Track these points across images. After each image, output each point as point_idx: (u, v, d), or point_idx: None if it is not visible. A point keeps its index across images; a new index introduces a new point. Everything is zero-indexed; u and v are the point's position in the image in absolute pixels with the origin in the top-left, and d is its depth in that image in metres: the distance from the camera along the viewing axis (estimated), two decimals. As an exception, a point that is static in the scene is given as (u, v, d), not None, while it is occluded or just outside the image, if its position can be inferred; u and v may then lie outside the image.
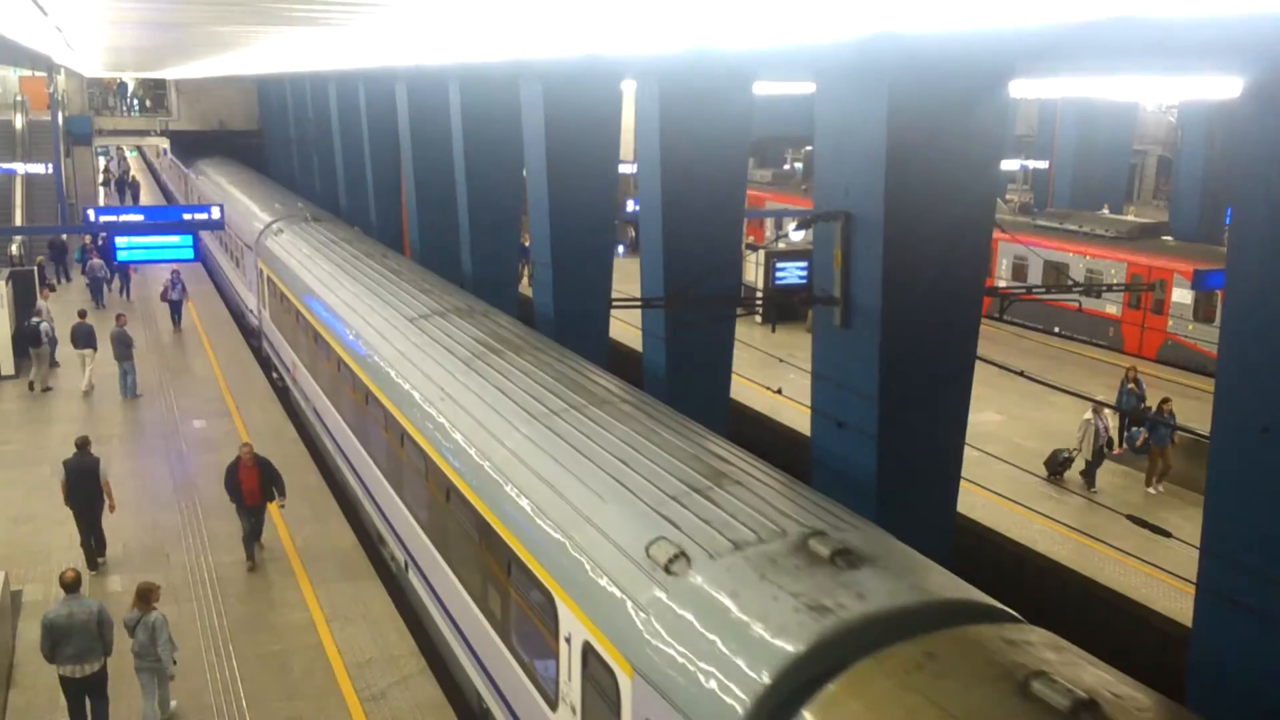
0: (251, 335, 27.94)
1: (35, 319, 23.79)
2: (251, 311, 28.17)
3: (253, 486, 14.71)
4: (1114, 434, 18.88)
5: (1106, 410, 17.74)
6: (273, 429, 20.73)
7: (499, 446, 11.03)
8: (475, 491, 10.98)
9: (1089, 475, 18.13)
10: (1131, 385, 19.11)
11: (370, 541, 16.10)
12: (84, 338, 23.22)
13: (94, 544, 14.85)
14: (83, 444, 14.87)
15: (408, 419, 13.44)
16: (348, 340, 16.99)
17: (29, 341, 23.55)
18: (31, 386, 23.40)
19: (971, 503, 16.15)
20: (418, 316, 15.84)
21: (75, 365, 23.85)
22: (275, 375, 24.34)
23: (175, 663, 11.29)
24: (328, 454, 19.22)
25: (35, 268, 29.75)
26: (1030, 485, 17.75)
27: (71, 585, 10.69)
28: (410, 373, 14.04)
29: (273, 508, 15.35)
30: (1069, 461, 18.32)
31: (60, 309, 27.72)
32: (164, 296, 28.81)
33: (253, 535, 14.97)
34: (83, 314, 24.26)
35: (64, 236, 36.37)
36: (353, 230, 26.90)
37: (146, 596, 10.94)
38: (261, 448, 16.37)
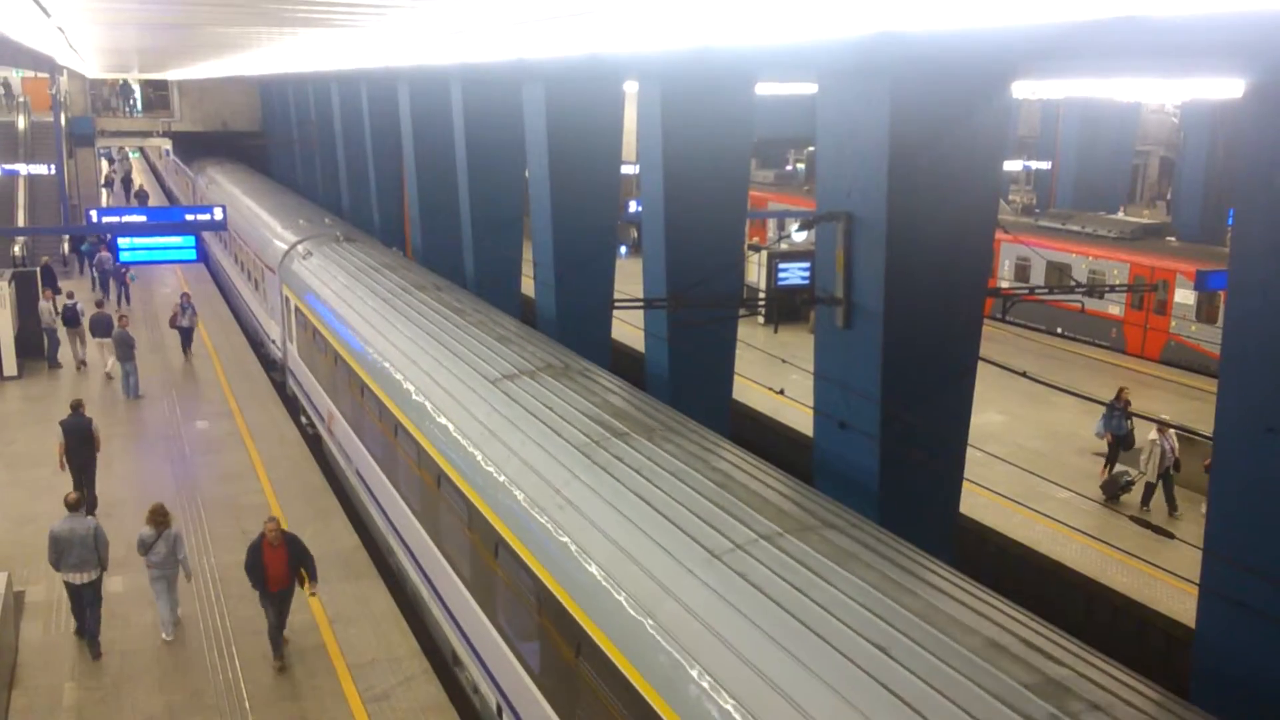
0: (272, 368, 25.22)
1: (70, 300, 25.75)
2: (273, 342, 25.13)
3: (280, 570, 12.32)
4: (1179, 454, 16.93)
5: (1172, 430, 16.74)
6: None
7: (667, 599, 7.75)
8: (639, 670, 7.71)
9: (1152, 499, 16.89)
10: (1122, 407, 17.59)
11: (373, 542, 16.11)
12: (103, 326, 24.12)
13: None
14: (77, 405, 16.93)
15: (508, 528, 10.22)
16: (410, 405, 13.67)
17: (67, 322, 25.38)
18: (77, 365, 25.25)
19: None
20: (501, 377, 12.57)
21: (72, 368, 25.21)
22: (305, 421, 21.46)
23: (189, 576, 13.19)
24: (374, 526, 16.18)
25: (38, 269, 29.86)
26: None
27: (74, 505, 12.70)
28: (508, 462, 10.74)
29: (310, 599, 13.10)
30: (1130, 485, 17.36)
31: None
32: (173, 323, 26.05)
33: (278, 627, 12.56)
34: (100, 304, 26.35)
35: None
36: (392, 253, 23.75)
37: (163, 515, 12.75)
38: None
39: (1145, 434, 17.40)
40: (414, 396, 13.60)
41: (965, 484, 12.69)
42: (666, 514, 8.61)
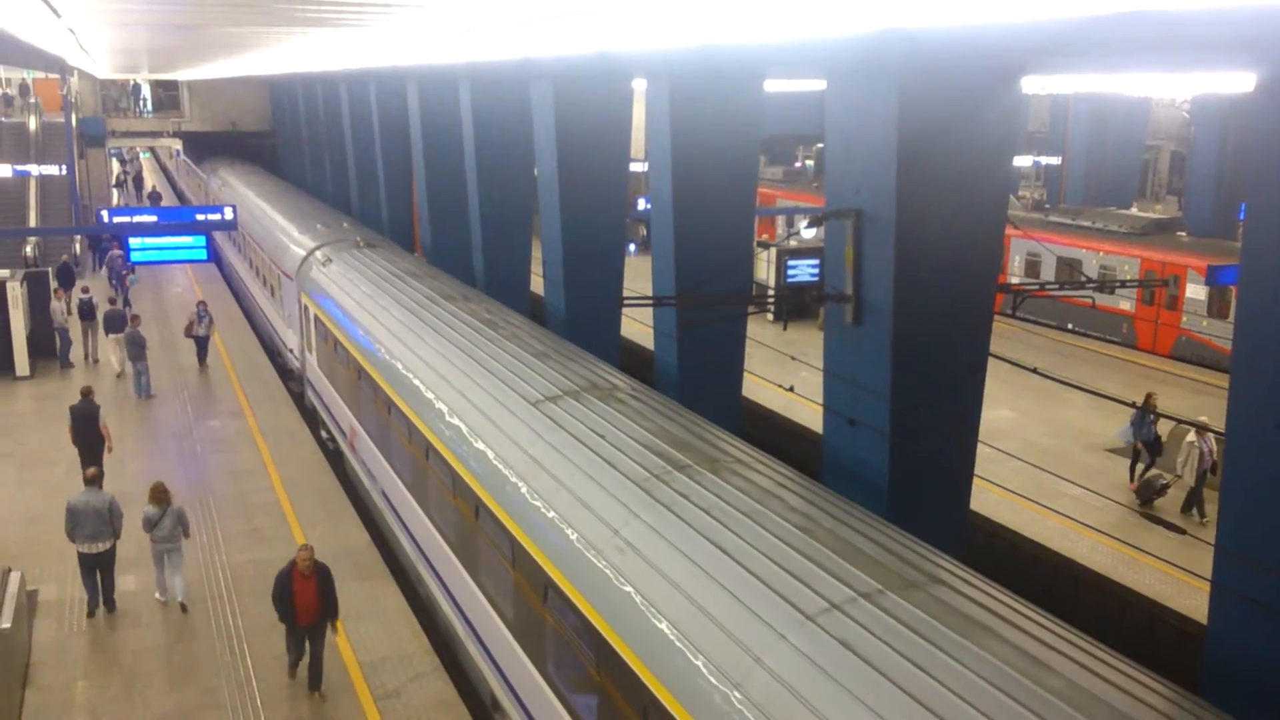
0: (290, 378, 24.34)
1: (85, 295, 26.14)
2: (291, 351, 24.32)
3: (310, 601, 11.42)
4: (1217, 457, 16.01)
5: (1210, 433, 16.08)
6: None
7: (756, 667, 6.86)
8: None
9: (1192, 504, 16.39)
10: (1151, 414, 16.79)
11: (383, 540, 16.14)
12: (116, 323, 24.49)
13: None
14: (86, 392, 17.79)
15: (559, 570, 9.15)
16: (444, 427, 12.70)
17: (82, 316, 25.83)
18: (86, 359, 25.71)
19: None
20: (543, 399, 11.65)
21: (83, 367, 25.32)
22: (325, 435, 20.74)
23: (187, 535, 13.84)
24: (403, 554, 15.21)
25: (55, 268, 30.48)
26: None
27: (91, 480, 13.70)
28: (557, 496, 9.80)
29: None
30: (1165, 489, 16.78)
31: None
32: (189, 332, 25.00)
33: (315, 667, 11.67)
34: (113, 300, 27.00)
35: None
36: (414, 259, 22.89)
37: (163, 493, 13.52)
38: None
39: (1164, 433, 17.20)
40: (448, 418, 12.67)
41: (975, 480, 12.67)
42: (746, 564, 7.64)
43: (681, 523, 8.44)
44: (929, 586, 7.17)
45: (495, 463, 11.06)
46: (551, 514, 9.64)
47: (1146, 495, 16.89)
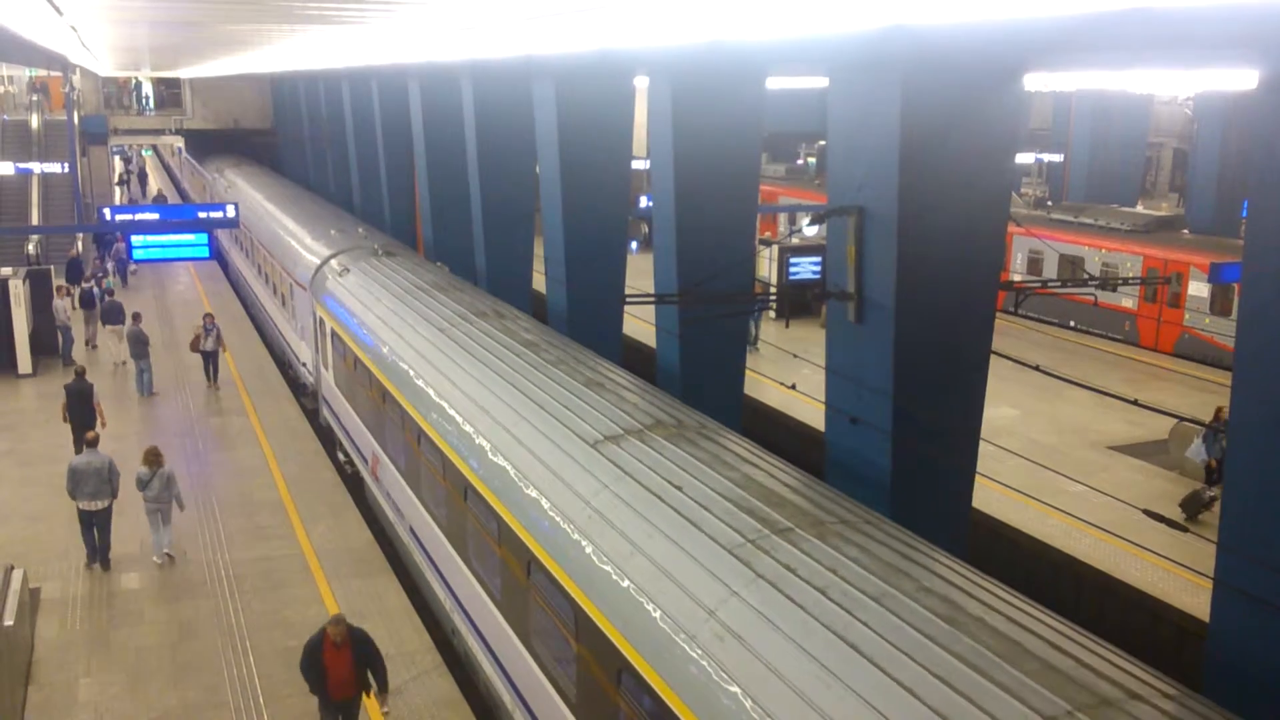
0: (302, 393, 23.03)
1: (87, 283, 27.43)
2: (304, 365, 22.77)
3: (344, 675, 10.26)
4: None
5: None
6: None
7: None
8: None
9: None
10: (1220, 428, 15.61)
11: (385, 537, 16.14)
12: (114, 315, 25.06)
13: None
14: (80, 371, 19.35)
15: (640, 654, 7.76)
16: (487, 468, 11.15)
17: (84, 304, 26.99)
18: (88, 344, 26.64)
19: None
20: (603, 438, 10.10)
21: (83, 355, 25.34)
22: (343, 458, 19.32)
23: (183, 507, 15.01)
24: (437, 604, 13.73)
25: (66, 263, 30.94)
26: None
27: (91, 443, 15.05)
28: (631, 563, 8.30)
29: (370, 707, 11.03)
30: (1212, 501, 16.08)
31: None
32: (195, 346, 23.32)
33: None
34: (110, 292, 27.68)
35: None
36: (438, 269, 21.00)
37: (156, 456, 14.62)
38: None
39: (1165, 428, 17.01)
40: (490, 456, 11.16)
41: (977, 478, 12.66)
42: (893, 673, 6.17)
43: (793, 606, 6.99)
44: (1133, 704, 5.80)
45: (551, 514, 9.58)
46: (626, 583, 8.18)
47: (1193, 509, 16.41)
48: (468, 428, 12.00)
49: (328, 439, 19.83)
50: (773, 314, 28.02)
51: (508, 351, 13.33)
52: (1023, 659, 6.11)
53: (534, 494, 10.02)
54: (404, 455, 14.56)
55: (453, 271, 21.29)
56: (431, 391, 13.44)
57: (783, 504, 8.39)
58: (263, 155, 51.00)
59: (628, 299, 14.73)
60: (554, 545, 9.36)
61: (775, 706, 6.43)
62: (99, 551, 14.67)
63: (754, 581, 7.33)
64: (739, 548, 7.75)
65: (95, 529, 14.62)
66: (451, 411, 12.62)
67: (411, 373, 14.32)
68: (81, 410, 18.59)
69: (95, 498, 14.47)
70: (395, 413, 14.79)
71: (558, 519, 9.46)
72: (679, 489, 8.82)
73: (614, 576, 8.36)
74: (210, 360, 23.30)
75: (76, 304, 27.25)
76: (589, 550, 8.82)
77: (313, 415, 21.70)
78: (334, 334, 19.11)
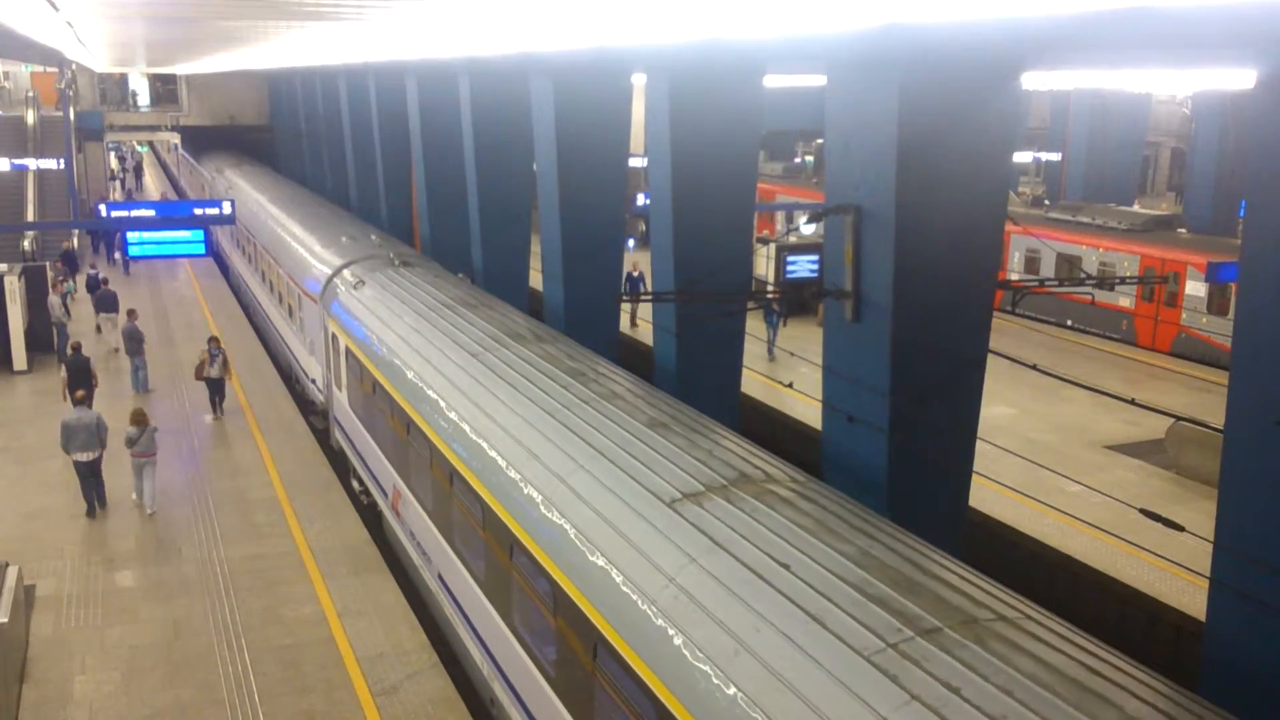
0: (310, 410, 21.80)
1: (93, 270, 29.11)
2: (313, 382, 21.29)
3: None
4: None
5: None
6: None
7: None
8: None
9: None
10: None
11: (381, 535, 16.13)
12: (109, 303, 26.35)
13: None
14: (77, 346, 20.93)
15: None
16: (541, 527, 9.57)
17: (90, 289, 28.38)
18: (97, 329, 27.42)
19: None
20: (681, 496, 8.66)
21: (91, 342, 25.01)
22: (358, 488, 18.05)
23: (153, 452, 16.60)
24: (471, 666, 12.26)
25: (60, 255, 31.33)
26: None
27: (80, 401, 17.12)
28: (736, 665, 6.78)
29: None
30: None
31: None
32: (200, 374, 21.24)
33: None
34: (105, 281, 28.68)
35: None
36: (461, 282, 19.30)
37: (142, 416, 16.42)
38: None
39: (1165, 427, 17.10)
40: (544, 510, 9.60)
41: (974, 477, 12.66)
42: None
43: None
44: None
45: (625, 589, 8.04)
46: (733, 690, 6.65)
47: None
48: (513, 474, 10.44)
49: (338, 461, 18.81)
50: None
51: (553, 383, 11.87)
52: None
53: (600, 562, 8.50)
54: (432, 495, 13.04)
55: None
56: (467, 427, 11.94)
57: (922, 592, 6.86)
58: (259, 152, 50.91)
59: (627, 298, 14.76)
60: (629, 627, 7.80)
61: None
62: (96, 494, 16.42)
63: (907, 707, 5.79)
64: (877, 653, 6.23)
65: (91, 478, 16.34)
66: (492, 454, 11.04)
67: (442, 403, 12.81)
68: (84, 383, 19.77)
69: (86, 449, 16.11)
70: (422, 446, 13.24)
71: (633, 595, 7.94)
72: (785, 568, 7.30)
73: (714, 679, 6.82)
74: (216, 389, 21.19)
75: (78, 291, 29.05)
76: (678, 642, 7.27)
77: (322, 435, 20.41)
78: (349, 352, 17.60)
